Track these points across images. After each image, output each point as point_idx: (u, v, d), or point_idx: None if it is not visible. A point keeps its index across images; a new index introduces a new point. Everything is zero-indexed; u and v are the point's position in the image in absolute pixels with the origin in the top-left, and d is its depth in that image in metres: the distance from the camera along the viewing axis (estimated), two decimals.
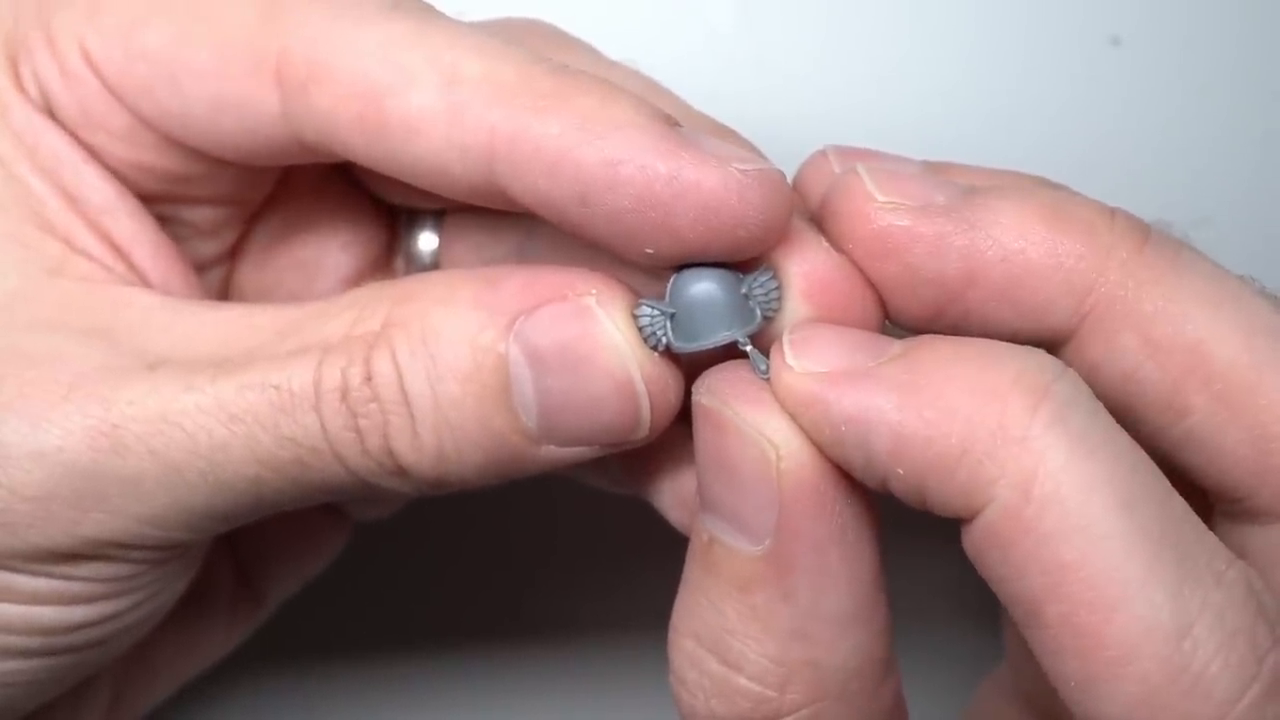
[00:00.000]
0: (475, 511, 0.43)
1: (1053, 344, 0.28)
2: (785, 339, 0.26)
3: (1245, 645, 0.23)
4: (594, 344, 0.27)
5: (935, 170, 0.29)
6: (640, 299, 0.27)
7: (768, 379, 0.26)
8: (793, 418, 0.26)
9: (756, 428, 0.26)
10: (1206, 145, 0.45)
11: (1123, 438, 0.24)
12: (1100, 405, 0.25)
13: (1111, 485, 0.23)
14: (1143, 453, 0.24)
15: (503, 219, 0.34)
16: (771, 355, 0.26)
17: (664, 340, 0.27)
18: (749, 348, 0.27)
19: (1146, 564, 0.23)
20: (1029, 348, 0.25)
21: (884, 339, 0.26)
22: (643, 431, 0.28)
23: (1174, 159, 0.45)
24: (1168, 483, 0.24)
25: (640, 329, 0.27)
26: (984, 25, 0.45)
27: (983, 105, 0.44)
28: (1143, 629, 0.23)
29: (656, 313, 0.27)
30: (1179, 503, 0.24)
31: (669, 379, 0.28)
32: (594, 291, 0.27)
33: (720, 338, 0.27)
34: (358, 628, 0.44)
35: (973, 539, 0.25)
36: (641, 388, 0.27)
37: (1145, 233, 0.27)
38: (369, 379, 0.27)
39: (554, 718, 0.44)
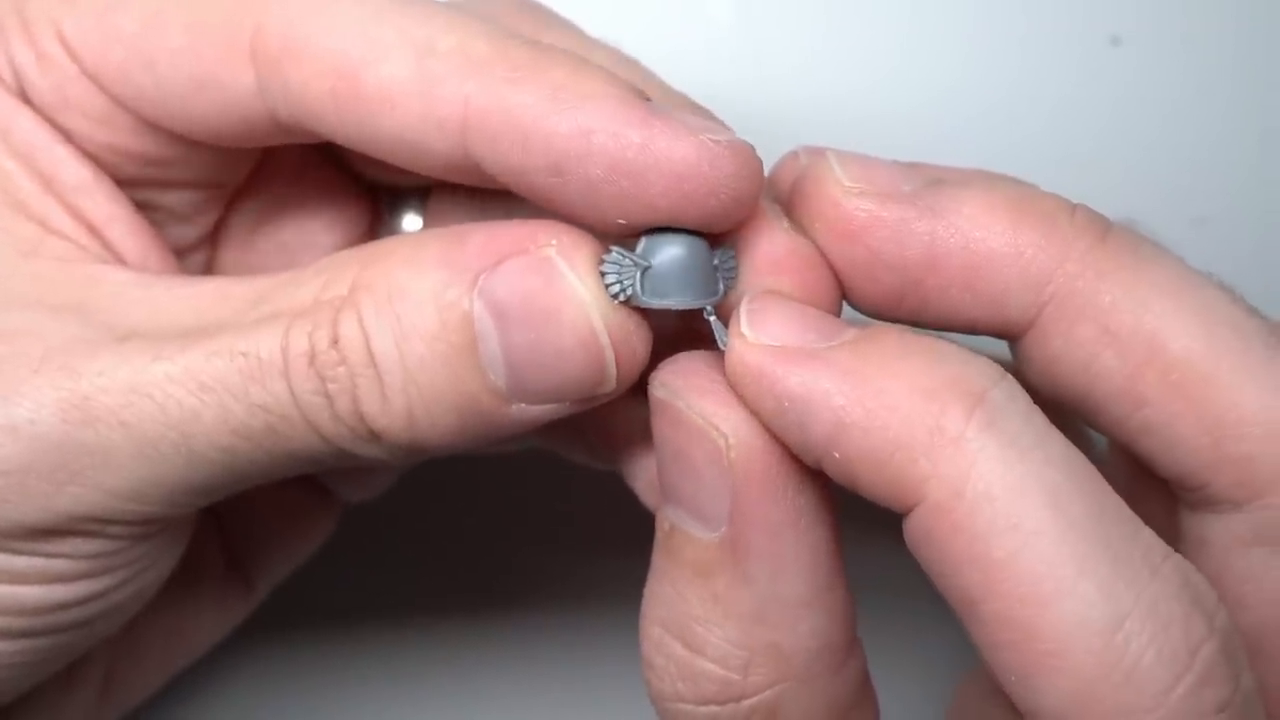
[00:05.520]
0: (465, 493, 0.43)
1: (1012, 334, 0.28)
2: (742, 308, 0.27)
3: (1179, 637, 0.23)
4: (555, 296, 0.27)
5: (905, 164, 0.30)
6: (610, 247, 0.27)
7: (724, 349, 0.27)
8: (737, 387, 0.26)
9: (706, 418, 0.26)
10: (1205, 145, 0.45)
11: (1057, 440, 0.25)
12: (1036, 409, 0.25)
13: (1042, 485, 0.24)
14: (1079, 454, 0.25)
15: (487, 198, 0.34)
16: (730, 322, 0.27)
17: (628, 289, 0.27)
18: (712, 318, 0.27)
19: (1078, 560, 0.23)
20: (972, 353, 0.26)
21: (838, 322, 0.27)
22: (610, 385, 0.28)
23: (1173, 158, 0.45)
24: (1104, 482, 0.25)
25: (604, 275, 0.27)
26: (983, 24, 0.45)
27: (982, 104, 0.44)
28: (1074, 623, 0.23)
29: (628, 263, 0.27)
30: (1114, 500, 0.25)
31: (633, 329, 0.28)
32: (554, 243, 0.27)
33: (685, 301, 0.27)
34: (348, 610, 0.44)
35: (910, 533, 0.25)
36: (605, 339, 0.27)
37: (1106, 226, 0.28)
38: (336, 342, 0.27)
39: (541, 700, 0.45)
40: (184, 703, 0.43)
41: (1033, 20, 0.45)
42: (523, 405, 0.28)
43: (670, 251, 0.27)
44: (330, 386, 0.27)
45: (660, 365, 0.28)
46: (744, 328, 0.26)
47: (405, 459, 0.29)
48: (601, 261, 0.27)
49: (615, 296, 0.27)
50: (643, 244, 0.27)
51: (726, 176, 0.26)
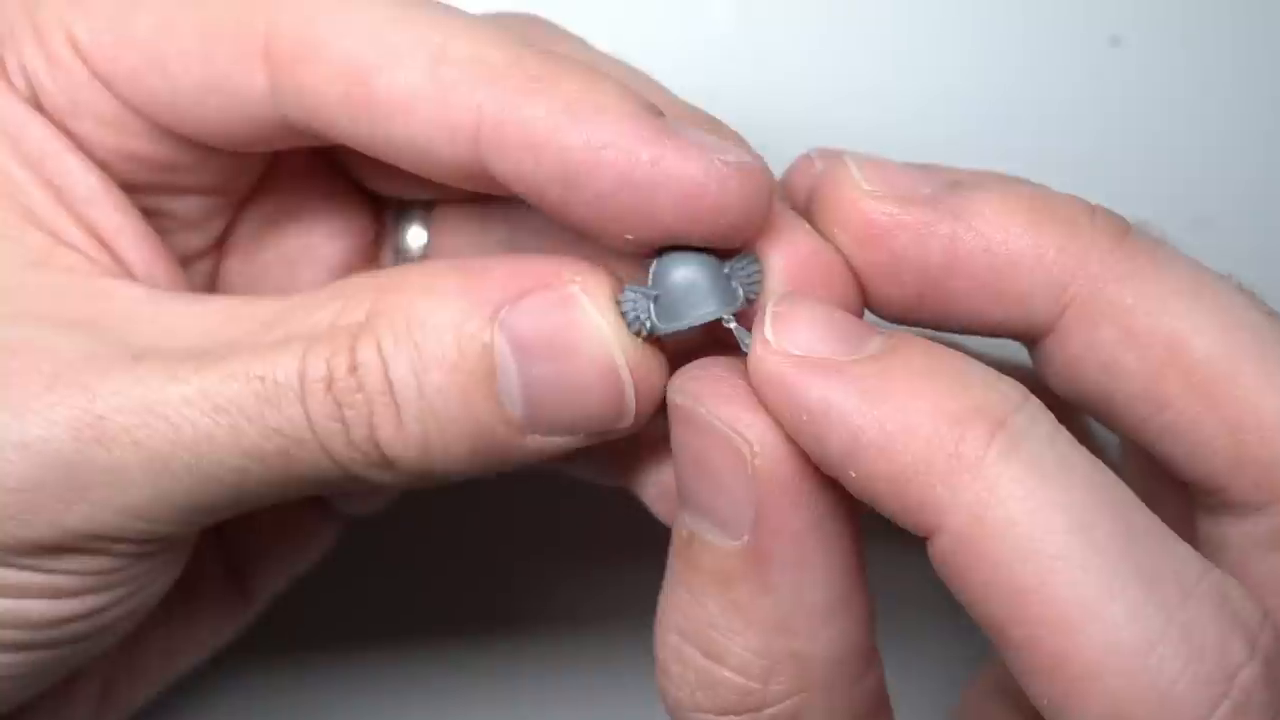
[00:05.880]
0: (466, 506, 0.43)
1: (1033, 336, 0.28)
2: (769, 310, 0.26)
3: (1214, 660, 0.23)
4: (578, 332, 0.27)
5: (921, 167, 0.29)
6: (624, 284, 0.28)
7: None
8: (759, 392, 0.26)
9: (730, 425, 0.26)
10: (1206, 145, 0.45)
11: (1082, 460, 0.24)
12: (1062, 430, 0.25)
13: (1065, 508, 0.24)
14: (1107, 472, 0.25)
15: (491, 211, 0.34)
16: (754, 326, 0.26)
17: (648, 324, 0.27)
18: (733, 325, 0.27)
19: (1104, 582, 0.23)
20: (997, 373, 0.25)
21: (866, 328, 0.26)
22: (628, 420, 0.28)
23: (1174, 159, 0.45)
24: (1137, 501, 0.24)
25: (624, 314, 0.27)
26: (984, 25, 0.45)
27: (983, 105, 0.44)
28: (1104, 647, 0.23)
29: (640, 297, 0.27)
30: (1147, 519, 0.24)
31: (653, 365, 0.28)
32: (577, 279, 0.27)
33: (703, 315, 0.27)
34: (347, 624, 0.44)
35: (934, 559, 0.25)
36: (626, 375, 0.27)
37: (1125, 228, 0.28)
38: (354, 369, 0.27)
39: (544, 712, 0.44)
40: (179, 716, 0.42)
41: (1033, 20, 0.45)
42: (537, 437, 0.28)
43: (680, 271, 0.27)
44: (347, 412, 0.27)
45: (679, 371, 0.27)
46: (767, 332, 0.26)
47: (413, 484, 0.29)
48: (618, 301, 0.27)
49: (637, 333, 0.27)
50: (654, 265, 0.28)
51: (735, 198, 0.26)
